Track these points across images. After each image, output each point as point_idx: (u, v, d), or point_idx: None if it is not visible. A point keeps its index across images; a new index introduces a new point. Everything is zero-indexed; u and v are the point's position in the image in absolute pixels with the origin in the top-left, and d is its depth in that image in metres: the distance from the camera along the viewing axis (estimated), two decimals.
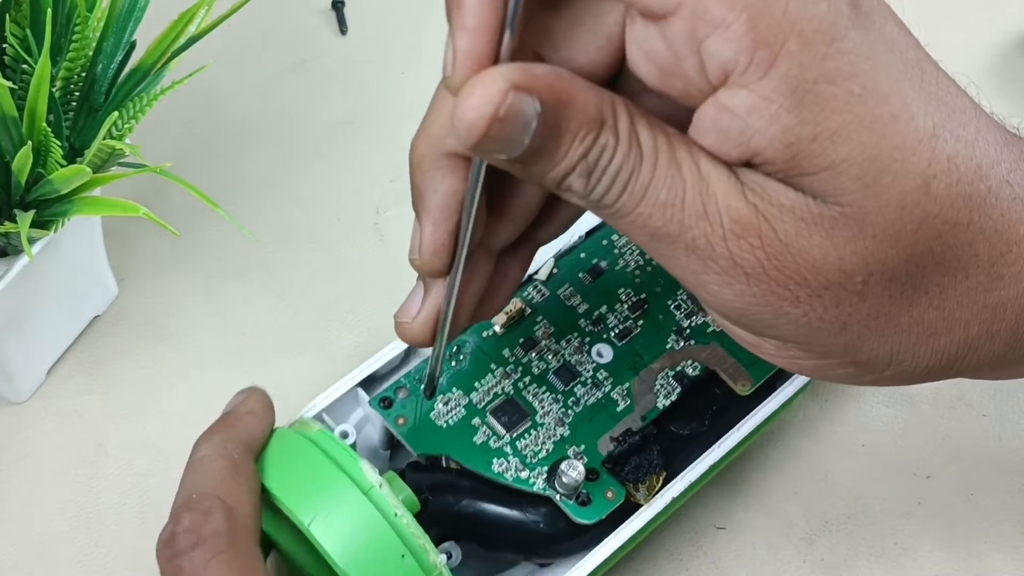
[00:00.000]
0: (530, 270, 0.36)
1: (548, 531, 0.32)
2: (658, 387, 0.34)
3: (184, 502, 0.28)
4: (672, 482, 0.33)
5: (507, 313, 0.35)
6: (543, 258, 0.37)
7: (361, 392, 0.34)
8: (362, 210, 0.45)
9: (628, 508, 0.33)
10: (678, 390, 0.34)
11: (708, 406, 0.35)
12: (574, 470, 0.32)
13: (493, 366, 0.34)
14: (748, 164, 0.23)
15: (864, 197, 0.23)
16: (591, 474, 0.32)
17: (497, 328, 0.35)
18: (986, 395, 0.40)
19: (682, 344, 0.35)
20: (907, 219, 0.23)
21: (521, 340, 0.35)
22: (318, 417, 0.33)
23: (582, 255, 0.37)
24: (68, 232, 0.36)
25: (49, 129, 0.32)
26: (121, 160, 0.35)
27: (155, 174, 0.33)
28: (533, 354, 0.35)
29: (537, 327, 0.35)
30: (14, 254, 0.35)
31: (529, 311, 0.36)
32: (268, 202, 0.45)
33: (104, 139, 0.33)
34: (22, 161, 0.32)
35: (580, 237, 0.38)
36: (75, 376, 0.40)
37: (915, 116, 0.23)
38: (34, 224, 0.34)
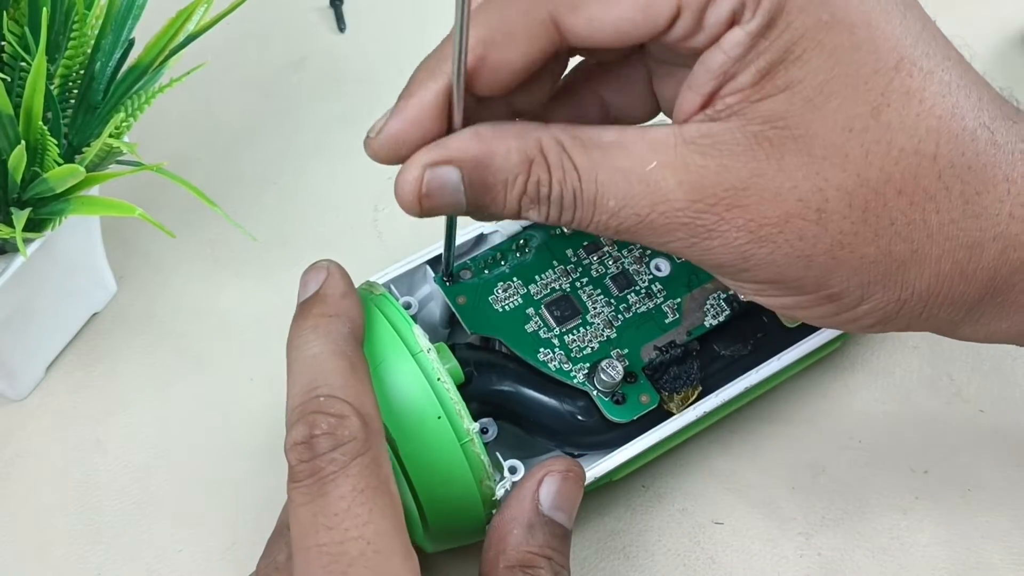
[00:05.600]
0: None
1: (581, 423, 0.34)
2: (708, 307, 0.36)
3: (310, 402, 0.28)
4: (706, 397, 0.35)
5: None
6: None
7: (429, 269, 0.36)
8: (360, 207, 0.45)
9: (660, 415, 0.34)
10: (727, 312, 0.36)
11: (753, 332, 0.36)
12: (614, 369, 0.34)
13: (555, 263, 0.36)
14: (709, 102, 0.25)
15: (812, 119, 0.25)
16: (630, 377, 0.34)
17: (565, 228, 0.37)
18: (983, 390, 0.40)
19: None
20: (854, 142, 0.25)
21: (585, 243, 0.37)
22: (386, 286, 0.35)
23: None
24: (66, 230, 0.36)
25: (45, 127, 0.32)
26: (119, 158, 0.35)
27: (153, 172, 0.33)
28: (594, 257, 0.36)
29: None
30: (13, 252, 0.35)
31: None
32: (266, 199, 0.45)
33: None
34: (17, 160, 0.32)
35: None
36: (74, 373, 0.40)
37: (878, 49, 0.25)
38: (31, 222, 0.34)
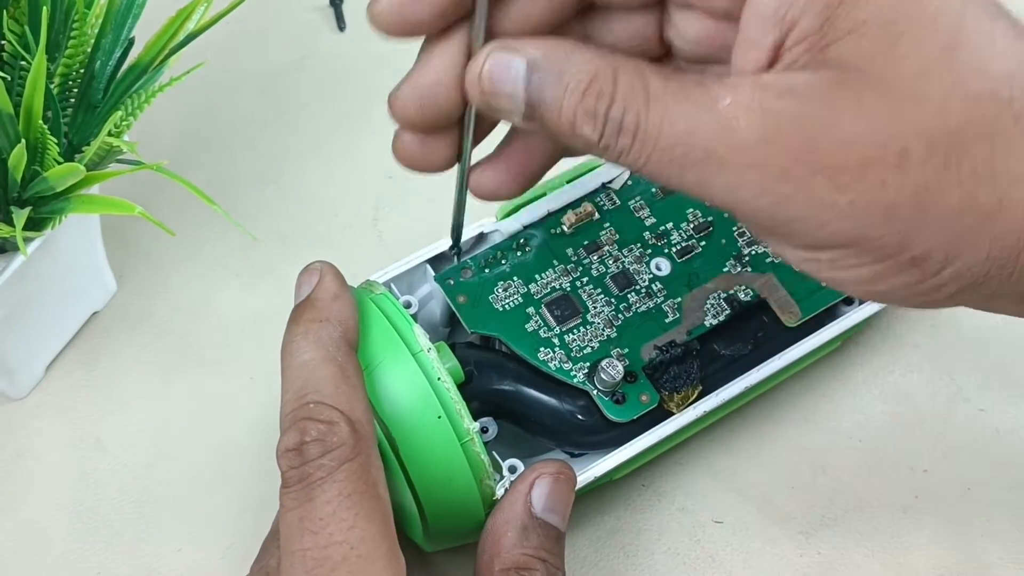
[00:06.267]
0: (605, 179, 0.38)
1: (581, 422, 0.34)
2: (708, 306, 0.36)
3: (300, 409, 0.28)
4: (706, 397, 0.35)
5: (577, 214, 0.37)
6: (620, 168, 0.38)
7: (429, 268, 0.36)
8: (360, 207, 0.45)
9: (660, 414, 0.34)
10: (727, 312, 0.36)
11: (753, 332, 0.36)
12: (614, 369, 0.34)
13: (555, 262, 0.36)
14: (777, 55, 0.25)
15: (886, 60, 0.24)
16: (630, 376, 0.34)
17: (565, 227, 0.37)
18: (983, 390, 0.40)
19: (739, 269, 0.37)
20: (931, 84, 0.24)
21: (585, 242, 0.37)
22: (386, 285, 0.35)
23: None
24: (66, 229, 0.36)
25: (45, 126, 0.32)
26: (119, 157, 0.35)
27: (153, 171, 0.33)
28: (595, 257, 0.36)
29: (603, 232, 0.37)
30: (13, 250, 0.35)
31: (597, 216, 0.37)
32: (266, 199, 0.45)
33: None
34: (17, 158, 0.32)
35: None
36: (74, 372, 0.40)
37: None
38: (31, 221, 0.34)
